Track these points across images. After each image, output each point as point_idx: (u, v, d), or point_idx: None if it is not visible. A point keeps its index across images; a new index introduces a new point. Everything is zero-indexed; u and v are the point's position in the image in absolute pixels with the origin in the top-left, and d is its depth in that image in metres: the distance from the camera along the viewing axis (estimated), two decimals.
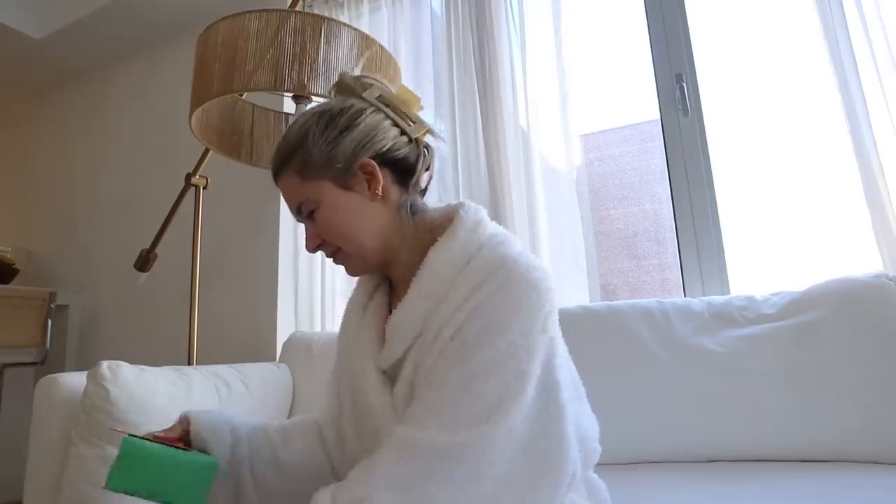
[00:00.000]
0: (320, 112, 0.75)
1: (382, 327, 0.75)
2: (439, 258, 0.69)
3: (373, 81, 0.78)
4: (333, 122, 0.73)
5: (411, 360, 0.68)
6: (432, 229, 0.74)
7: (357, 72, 0.84)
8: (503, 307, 0.63)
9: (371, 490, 0.55)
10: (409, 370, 0.68)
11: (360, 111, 0.75)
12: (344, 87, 0.79)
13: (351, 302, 0.85)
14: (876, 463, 1.07)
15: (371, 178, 0.73)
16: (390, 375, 0.72)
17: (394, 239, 0.75)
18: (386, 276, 0.82)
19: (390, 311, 0.76)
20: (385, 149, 0.74)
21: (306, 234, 0.76)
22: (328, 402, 0.85)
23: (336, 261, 0.76)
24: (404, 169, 0.76)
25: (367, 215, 0.73)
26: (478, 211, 0.74)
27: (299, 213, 0.75)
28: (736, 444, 1.17)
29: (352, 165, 0.72)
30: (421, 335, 0.68)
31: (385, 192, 0.74)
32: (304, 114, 0.77)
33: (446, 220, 0.74)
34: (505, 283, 0.64)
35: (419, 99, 0.79)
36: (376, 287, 0.82)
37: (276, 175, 0.76)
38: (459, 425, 0.58)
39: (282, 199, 0.78)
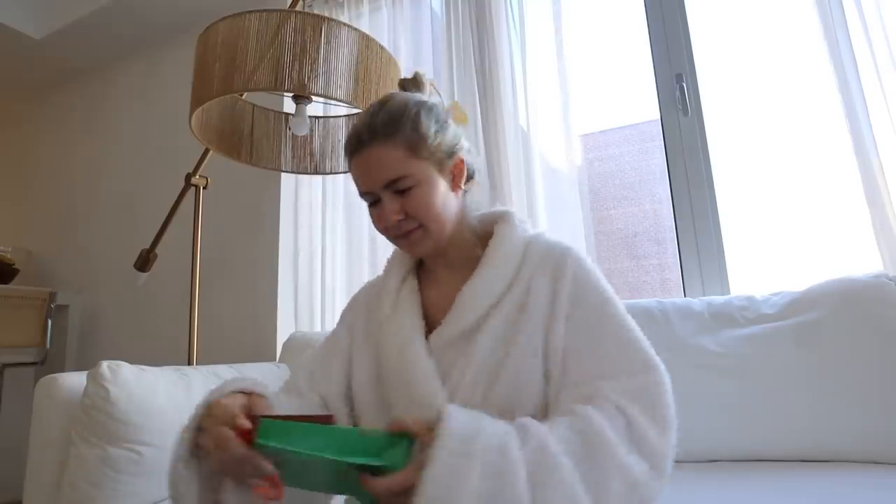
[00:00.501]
0: (419, 101, 0.79)
1: (421, 307, 0.82)
2: (505, 240, 0.79)
3: (435, 91, 0.87)
4: (434, 113, 0.79)
5: (492, 328, 0.74)
6: (481, 225, 0.85)
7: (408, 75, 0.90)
8: (596, 277, 0.76)
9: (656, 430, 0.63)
10: (488, 340, 0.73)
11: (446, 112, 0.82)
12: (418, 83, 0.86)
13: (377, 286, 0.90)
14: (876, 463, 1.07)
15: (458, 172, 0.81)
16: (437, 349, 0.76)
17: (458, 228, 0.82)
18: (417, 262, 0.89)
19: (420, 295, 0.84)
20: (464, 150, 0.84)
21: (384, 208, 0.77)
22: (337, 379, 0.85)
23: (407, 238, 0.79)
24: (469, 173, 0.85)
25: (449, 203, 0.80)
26: (518, 213, 0.86)
27: (387, 186, 0.76)
28: (736, 444, 1.16)
29: (452, 157, 0.80)
30: (498, 304, 0.75)
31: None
32: (395, 95, 0.81)
33: (493, 218, 0.85)
34: (582, 260, 0.77)
35: (467, 117, 0.87)
36: (407, 273, 0.87)
37: (371, 143, 0.76)
38: (645, 367, 0.68)
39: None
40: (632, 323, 0.73)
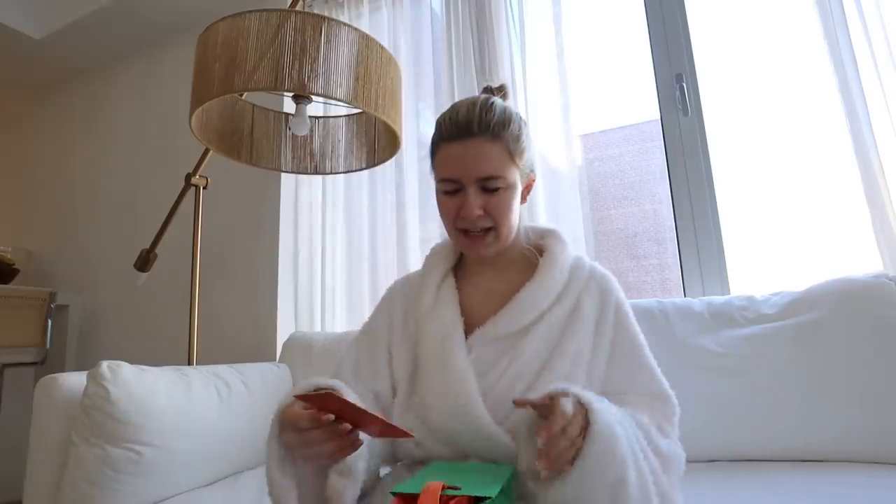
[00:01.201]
0: (517, 113, 0.83)
1: (458, 304, 0.85)
2: (559, 255, 0.86)
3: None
4: (528, 129, 0.85)
5: (542, 331, 0.80)
6: (528, 238, 0.90)
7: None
8: (629, 307, 0.86)
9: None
10: (536, 342, 0.79)
11: None
12: (504, 94, 0.90)
13: (413, 283, 0.93)
14: (876, 463, 1.07)
15: (528, 187, 0.87)
16: (479, 345, 0.80)
17: (515, 236, 0.87)
18: (456, 260, 0.93)
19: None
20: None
21: (468, 201, 0.79)
22: (385, 374, 0.87)
23: (481, 238, 0.82)
24: None
25: (517, 212, 0.85)
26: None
27: (479, 181, 0.78)
28: (736, 444, 1.16)
29: (531, 172, 0.87)
30: (549, 310, 0.81)
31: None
32: (496, 99, 0.82)
33: (541, 232, 0.91)
34: (620, 290, 0.87)
35: None
36: (448, 270, 0.91)
37: (480, 135, 0.78)
38: (663, 394, 0.81)
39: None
40: (650, 353, 0.84)
